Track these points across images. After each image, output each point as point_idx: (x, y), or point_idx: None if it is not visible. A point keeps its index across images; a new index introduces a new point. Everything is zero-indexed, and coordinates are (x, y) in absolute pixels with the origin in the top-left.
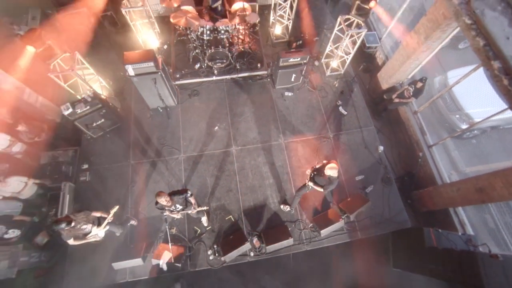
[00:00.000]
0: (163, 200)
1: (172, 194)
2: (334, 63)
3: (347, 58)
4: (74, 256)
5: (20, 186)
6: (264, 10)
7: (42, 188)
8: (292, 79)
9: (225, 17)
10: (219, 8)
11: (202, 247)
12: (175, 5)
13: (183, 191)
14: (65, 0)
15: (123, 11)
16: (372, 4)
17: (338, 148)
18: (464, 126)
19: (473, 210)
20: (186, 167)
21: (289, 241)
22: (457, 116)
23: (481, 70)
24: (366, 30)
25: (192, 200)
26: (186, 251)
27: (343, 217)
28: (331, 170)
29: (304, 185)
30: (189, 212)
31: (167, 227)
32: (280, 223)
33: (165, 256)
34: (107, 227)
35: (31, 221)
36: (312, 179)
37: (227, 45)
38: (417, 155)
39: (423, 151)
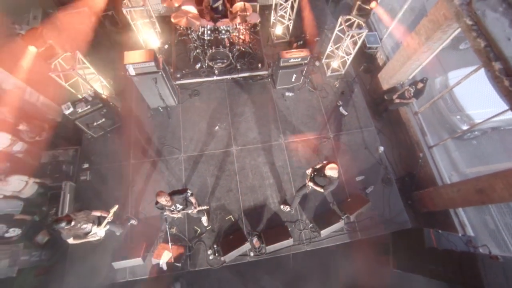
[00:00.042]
0: (163, 200)
1: (172, 194)
2: (335, 64)
3: (348, 59)
4: (74, 255)
5: (21, 185)
6: (265, 10)
7: (42, 187)
8: (293, 79)
9: (226, 17)
10: (220, 8)
11: (202, 247)
12: (176, 5)
13: (183, 191)
14: None
15: (124, 10)
16: (373, 4)
17: (339, 148)
18: (464, 127)
19: (474, 211)
20: (186, 166)
21: (289, 241)
22: (458, 117)
23: (482, 71)
24: (367, 30)
25: (192, 199)
26: (186, 250)
27: (343, 217)
28: (331, 171)
29: (304, 186)
30: (189, 211)
31: (167, 226)
32: (280, 223)
33: (165, 255)
34: (107, 227)
35: (32, 220)
36: (312, 179)
37: (228, 45)
38: (417, 155)
39: (423, 151)
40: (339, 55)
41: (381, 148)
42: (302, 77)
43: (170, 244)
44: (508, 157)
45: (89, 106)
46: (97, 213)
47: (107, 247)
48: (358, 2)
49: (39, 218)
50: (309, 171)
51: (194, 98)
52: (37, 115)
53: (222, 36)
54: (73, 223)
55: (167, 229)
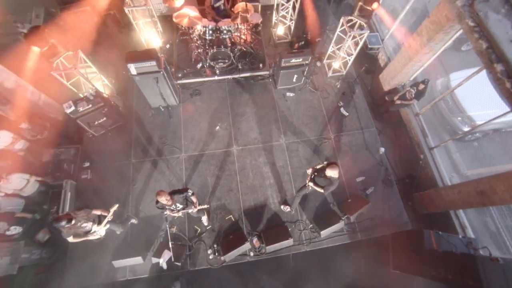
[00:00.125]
0: (164, 199)
1: (172, 193)
2: (336, 64)
3: (349, 59)
4: (74, 253)
5: (22, 183)
6: (266, 10)
7: (43, 186)
8: (294, 80)
9: (228, 17)
10: (221, 7)
11: (202, 247)
12: (178, 4)
13: (184, 190)
14: None
15: (126, 10)
16: (374, 5)
17: (339, 149)
18: (466, 129)
19: (474, 213)
20: (187, 166)
21: (289, 242)
22: (459, 118)
23: (483, 72)
24: (368, 31)
25: (193, 199)
26: (186, 250)
27: (343, 218)
28: (332, 171)
29: (305, 186)
30: (190, 211)
31: (167, 226)
32: (280, 223)
33: (165, 255)
34: (108, 226)
35: (33, 218)
36: (312, 179)
37: (229, 45)
38: (418, 157)
39: (424, 153)
40: (341, 55)
41: (382, 149)
42: (303, 78)
43: (170, 243)
44: (510, 159)
45: (90, 105)
46: (97, 212)
47: (107, 246)
48: (360, 3)
49: (40, 216)
50: (309, 172)
51: (195, 97)
52: (39, 114)
53: (224, 36)
54: (73, 221)
55: (167, 228)
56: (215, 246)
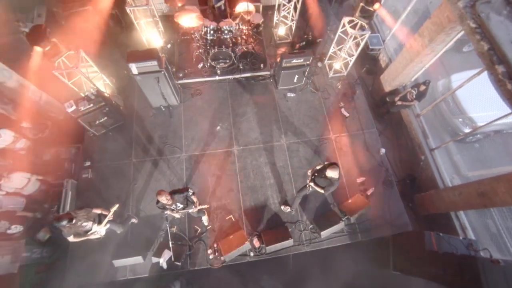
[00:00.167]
0: (164, 199)
1: (173, 193)
2: (337, 65)
3: (350, 60)
4: (75, 252)
5: (23, 182)
6: (268, 11)
7: (44, 185)
8: (295, 80)
9: (229, 16)
10: (222, 7)
11: (202, 246)
12: (179, 4)
13: (184, 190)
14: None
15: (127, 9)
16: (376, 6)
17: (340, 149)
18: (467, 130)
19: (475, 214)
20: (187, 166)
21: (289, 242)
22: (460, 119)
23: (485, 74)
24: (369, 32)
25: (194, 198)
26: (186, 250)
27: (343, 219)
28: (332, 172)
29: (305, 186)
30: (190, 211)
31: (167, 225)
32: (280, 223)
33: (165, 254)
34: (108, 225)
35: (34, 217)
36: (313, 180)
37: (231, 45)
38: (419, 158)
39: (425, 154)
40: (342, 56)
41: (383, 150)
42: (304, 78)
43: (170, 243)
44: (511, 161)
45: (91, 105)
46: (97, 211)
47: (107, 245)
48: (361, 4)
49: (40, 215)
50: (310, 172)
51: (196, 97)
52: (40, 113)
53: (225, 36)
54: (74, 221)
55: (168, 228)
56: (215, 246)
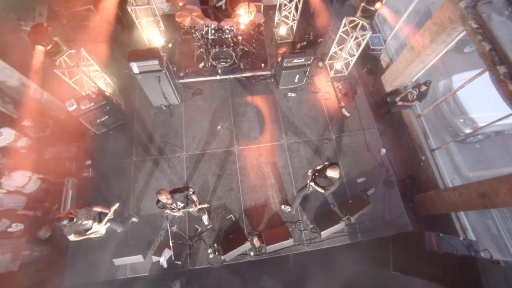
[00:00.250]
0: (164, 198)
1: (173, 192)
2: (338, 65)
3: (351, 60)
4: (75, 251)
5: (24, 180)
6: (269, 10)
7: (45, 183)
8: (296, 80)
9: (230, 16)
10: (223, 7)
11: (202, 246)
12: (181, 4)
13: (184, 189)
14: None
15: (129, 9)
16: (377, 5)
17: (340, 149)
18: (468, 131)
19: (475, 215)
20: (188, 165)
21: (289, 242)
22: (461, 120)
23: (486, 74)
24: (371, 32)
25: (194, 197)
26: (187, 249)
27: (344, 219)
28: (333, 172)
29: (306, 186)
30: (190, 210)
31: (168, 224)
32: (280, 223)
33: (166, 253)
34: (108, 224)
35: (34, 215)
36: (313, 180)
37: (232, 44)
38: (419, 158)
39: (425, 154)
40: (343, 56)
41: (383, 150)
42: (305, 78)
43: (170, 242)
44: None
45: (92, 104)
46: (98, 209)
47: (108, 244)
48: (363, 4)
49: (41, 213)
50: (310, 172)
51: (197, 97)
52: (41, 112)
53: (226, 36)
54: (74, 219)
55: (168, 227)
56: (215, 245)
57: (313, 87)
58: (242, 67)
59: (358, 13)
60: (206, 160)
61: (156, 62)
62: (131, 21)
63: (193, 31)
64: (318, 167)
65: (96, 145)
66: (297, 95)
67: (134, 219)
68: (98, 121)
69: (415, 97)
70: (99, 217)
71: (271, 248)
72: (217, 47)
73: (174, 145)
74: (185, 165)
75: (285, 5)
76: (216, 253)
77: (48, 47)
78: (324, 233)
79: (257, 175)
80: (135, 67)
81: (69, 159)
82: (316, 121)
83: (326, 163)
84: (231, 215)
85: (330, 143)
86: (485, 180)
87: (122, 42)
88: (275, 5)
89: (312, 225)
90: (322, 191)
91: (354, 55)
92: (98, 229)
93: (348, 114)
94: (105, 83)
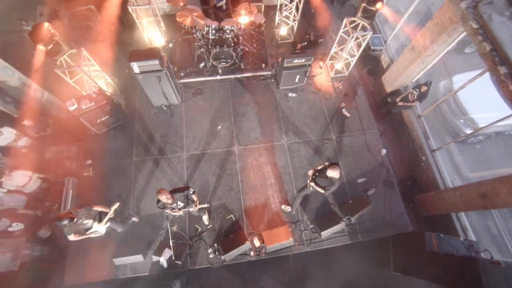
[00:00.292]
0: (164, 198)
1: (173, 192)
2: (339, 65)
3: (352, 60)
4: (75, 250)
5: (25, 180)
6: (270, 11)
7: (45, 183)
8: (296, 80)
9: (230, 16)
10: (224, 7)
11: (202, 245)
12: (181, 4)
13: (185, 189)
14: None
15: (129, 9)
16: (378, 5)
17: (341, 150)
18: (468, 131)
19: (476, 215)
20: (188, 165)
21: (290, 242)
22: (462, 121)
23: (487, 75)
24: (371, 32)
25: (194, 197)
26: (187, 249)
27: (344, 219)
28: (333, 172)
29: (306, 186)
30: (191, 210)
31: (168, 224)
32: (281, 223)
33: (166, 253)
34: (108, 224)
35: (35, 215)
36: (313, 180)
37: (232, 44)
38: (420, 159)
39: (426, 155)
40: (343, 56)
41: (384, 151)
42: (306, 78)
43: (171, 241)
44: None
45: (93, 103)
46: (98, 208)
47: (108, 244)
48: (363, 4)
49: (41, 213)
50: (310, 172)
51: (198, 97)
52: (41, 111)
53: (227, 36)
54: (74, 219)
55: (168, 227)
56: (215, 245)
57: (313, 87)
58: (242, 67)
59: (359, 14)
60: (206, 160)
61: (156, 62)
62: (132, 21)
63: (193, 31)
64: (319, 167)
65: (97, 144)
66: (297, 95)
67: (134, 219)
68: (99, 120)
69: (415, 97)
70: (100, 217)
71: (271, 248)
72: (217, 47)
73: (175, 145)
74: (186, 165)
75: (286, 5)
76: (216, 253)
77: (49, 47)
78: (324, 233)
79: (257, 175)
80: (135, 67)
81: (69, 159)
82: (316, 121)
83: (326, 163)
84: (231, 215)
85: (330, 143)
86: (486, 180)
87: (123, 42)
88: (276, 5)
89: (312, 225)
90: (323, 191)
91: (354, 56)
92: (98, 229)
93: (348, 115)
94: (105, 83)
